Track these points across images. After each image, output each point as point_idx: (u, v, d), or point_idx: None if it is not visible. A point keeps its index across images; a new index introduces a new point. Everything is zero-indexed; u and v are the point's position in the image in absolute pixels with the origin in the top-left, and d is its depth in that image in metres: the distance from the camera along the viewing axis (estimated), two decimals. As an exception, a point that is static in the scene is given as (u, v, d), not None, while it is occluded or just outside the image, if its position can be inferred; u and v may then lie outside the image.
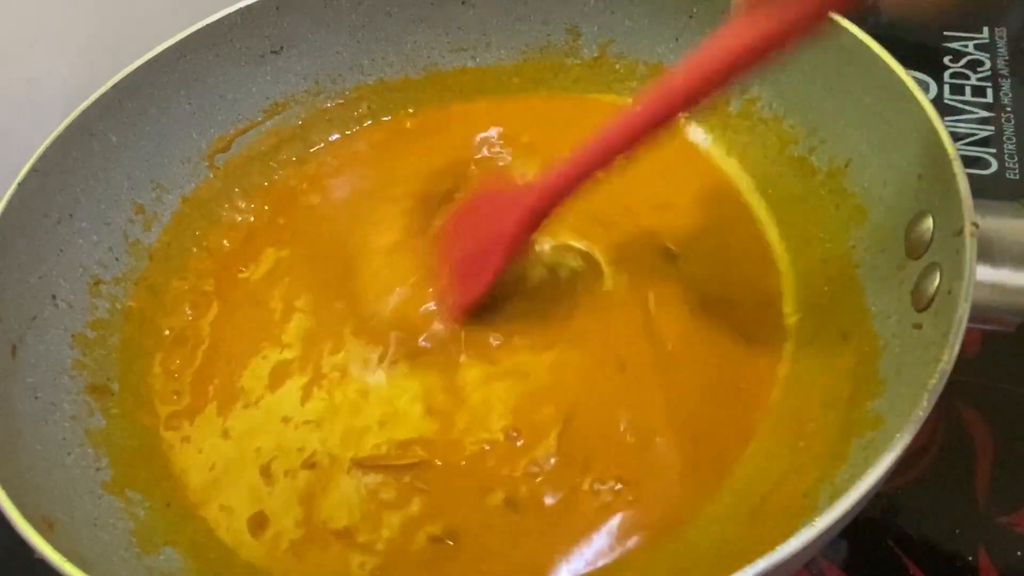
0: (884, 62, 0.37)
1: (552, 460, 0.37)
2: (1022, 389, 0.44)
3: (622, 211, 0.46)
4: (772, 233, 0.44)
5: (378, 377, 0.40)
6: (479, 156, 0.50)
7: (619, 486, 0.36)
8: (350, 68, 0.52)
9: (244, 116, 0.50)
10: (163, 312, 0.45)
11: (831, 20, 0.39)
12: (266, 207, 0.49)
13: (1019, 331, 0.33)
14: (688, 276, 0.43)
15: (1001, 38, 0.63)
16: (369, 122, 0.53)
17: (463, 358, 0.40)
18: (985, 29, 0.64)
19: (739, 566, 0.25)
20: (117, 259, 0.44)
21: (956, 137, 0.48)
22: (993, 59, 0.62)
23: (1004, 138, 0.57)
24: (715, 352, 0.40)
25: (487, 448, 0.38)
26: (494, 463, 0.37)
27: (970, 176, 0.32)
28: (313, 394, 0.41)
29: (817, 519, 0.26)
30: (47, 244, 0.41)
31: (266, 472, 0.39)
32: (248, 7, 0.46)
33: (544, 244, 0.44)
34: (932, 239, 0.34)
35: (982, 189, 0.32)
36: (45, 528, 0.31)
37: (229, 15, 0.46)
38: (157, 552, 0.36)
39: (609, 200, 0.45)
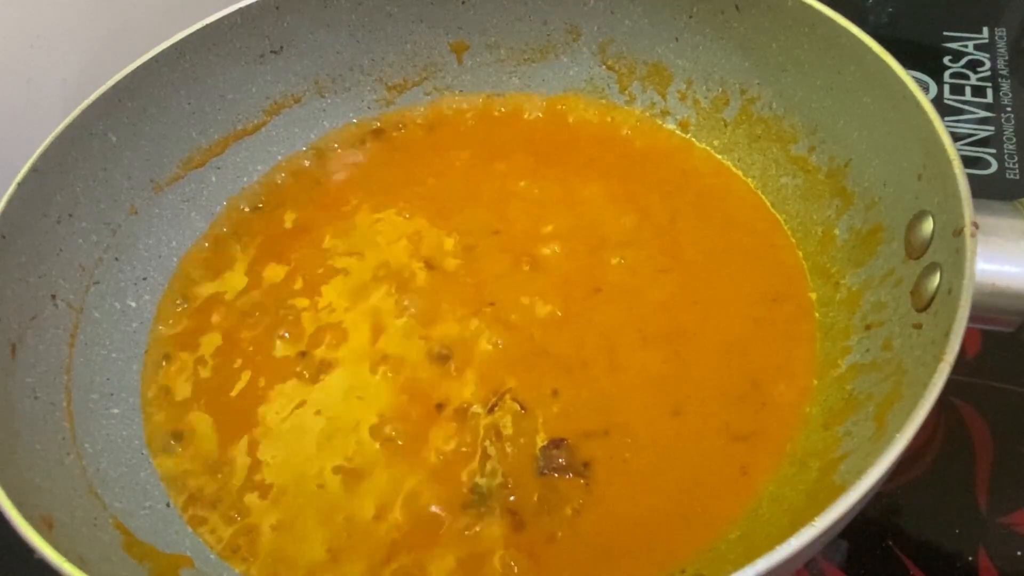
0: (884, 62, 0.37)
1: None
2: (1022, 389, 0.44)
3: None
4: (776, 230, 0.45)
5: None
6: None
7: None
8: (350, 68, 0.52)
9: (244, 116, 0.50)
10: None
11: (831, 19, 0.40)
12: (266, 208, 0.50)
13: (1019, 331, 0.33)
14: (698, 272, 0.43)
15: (1001, 38, 0.63)
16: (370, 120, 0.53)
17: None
18: (985, 29, 0.64)
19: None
20: (117, 259, 0.44)
21: (956, 137, 0.48)
22: (993, 59, 0.62)
23: (1004, 138, 0.57)
24: (730, 350, 0.40)
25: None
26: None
27: (970, 176, 0.32)
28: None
29: (817, 519, 0.26)
30: (47, 244, 0.41)
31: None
32: (248, 7, 0.46)
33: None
34: (932, 239, 0.34)
35: (982, 189, 0.32)
36: (44, 528, 0.31)
37: (229, 15, 0.46)
38: (157, 552, 0.36)
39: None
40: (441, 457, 0.38)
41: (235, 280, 0.46)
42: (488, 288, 0.44)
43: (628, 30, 0.50)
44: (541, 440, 0.38)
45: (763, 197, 0.46)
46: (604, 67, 0.52)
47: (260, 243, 0.47)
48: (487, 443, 0.38)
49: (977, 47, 0.63)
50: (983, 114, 0.58)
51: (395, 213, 0.48)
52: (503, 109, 0.53)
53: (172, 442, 0.40)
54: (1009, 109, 0.58)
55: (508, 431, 0.38)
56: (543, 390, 0.40)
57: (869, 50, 0.38)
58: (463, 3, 0.51)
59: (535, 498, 0.36)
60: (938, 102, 0.59)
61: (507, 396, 0.39)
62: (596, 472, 0.37)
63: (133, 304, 0.44)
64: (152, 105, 0.45)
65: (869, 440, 0.32)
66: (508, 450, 0.38)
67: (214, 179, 0.49)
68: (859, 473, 0.27)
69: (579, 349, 0.41)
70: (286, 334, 0.43)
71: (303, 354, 0.42)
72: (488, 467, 0.37)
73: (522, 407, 0.39)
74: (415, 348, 0.42)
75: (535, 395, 0.39)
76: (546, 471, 0.37)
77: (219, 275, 0.46)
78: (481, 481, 0.37)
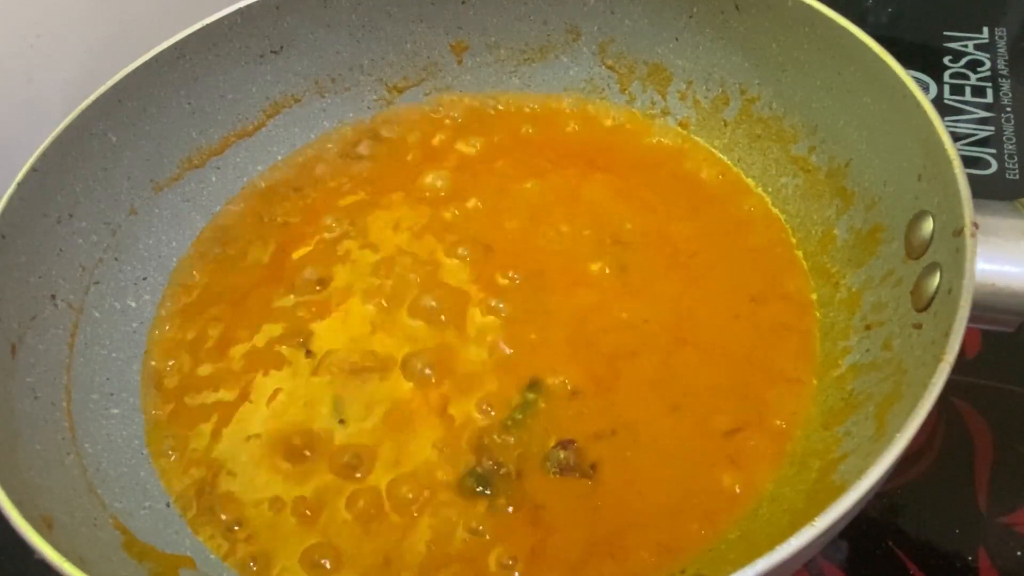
0: (884, 62, 0.37)
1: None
2: (1022, 389, 0.44)
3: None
4: (776, 230, 0.45)
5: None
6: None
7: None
8: (350, 68, 0.52)
9: (244, 116, 0.50)
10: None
11: (831, 19, 0.40)
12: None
13: (1019, 331, 0.33)
14: (698, 272, 0.43)
15: (1001, 38, 0.63)
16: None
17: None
18: (985, 29, 0.64)
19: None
20: (117, 259, 0.44)
21: (956, 137, 0.48)
22: (993, 59, 0.62)
23: (1004, 138, 0.57)
24: (730, 350, 0.40)
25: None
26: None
27: (970, 176, 0.32)
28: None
29: (817, 519, 0.26)
30: (47, 244, 0.41)
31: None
32: (248, 7, 0.46)
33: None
34: (932, 239, 0.34)
35: (982, 189, 0.32)
36: (44, 528, 0.31)
37: (229, 15, 0.46)
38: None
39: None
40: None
41: (235, 280, 0.46)
42: (486, 288, 0.44)
43: (628, 30, 0.50)
44: (551, 440, 0.38)
45: (763, 197, 0.46)
46: (604, 67, 0.52)
47: (260, 243, 0.47)
48: (495, 436, 0.38)
49: (977, 47, 0.63)
50: (983, 114, 0.58)
51: (395, 214, 0.48)
52: (503, 109, 0.53)
53: (173, 442, 0.40)
54: (1009, 109, 0.58)
55: (520, 427, 0.38)
56: (551, 390, 0.40)
57: (869, 50, 0.38)
58: (463, 3, 0.51)
59: (538, 497, 0.37)
60: (938, 102, 0.59)
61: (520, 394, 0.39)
62: (601, 472, 0.37)
63: (133, 304, 0.44)
64: (152, 105, 0.45)
65: (869, 440, 0.32)
66: (519, 445, 0.38)
67: (214, 179, 0.49)
68: (859, 473, 0.27)
69: (581, 350, 0.41)
70: (288, 333, 0.43)
71: (309, 353, 0.42)
72: (497, 458, 0.37)
73: (527, 404, 0.39)
74: (414, 350, 0.42)
75: (525, 397, 0.40)
76: (555, 471, 0.37)
77: (219, 275, 0.46)
78: (487, 469, 0.37)
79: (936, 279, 0.33)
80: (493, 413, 0.39)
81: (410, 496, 0.37)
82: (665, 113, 0.51)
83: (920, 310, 0.34)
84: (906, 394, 0.32)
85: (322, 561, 0.36)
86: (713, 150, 0.49)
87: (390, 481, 0.38)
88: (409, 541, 0.36)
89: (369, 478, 0.38)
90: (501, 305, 0.43)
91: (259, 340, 0.43)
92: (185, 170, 0.48)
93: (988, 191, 0.41)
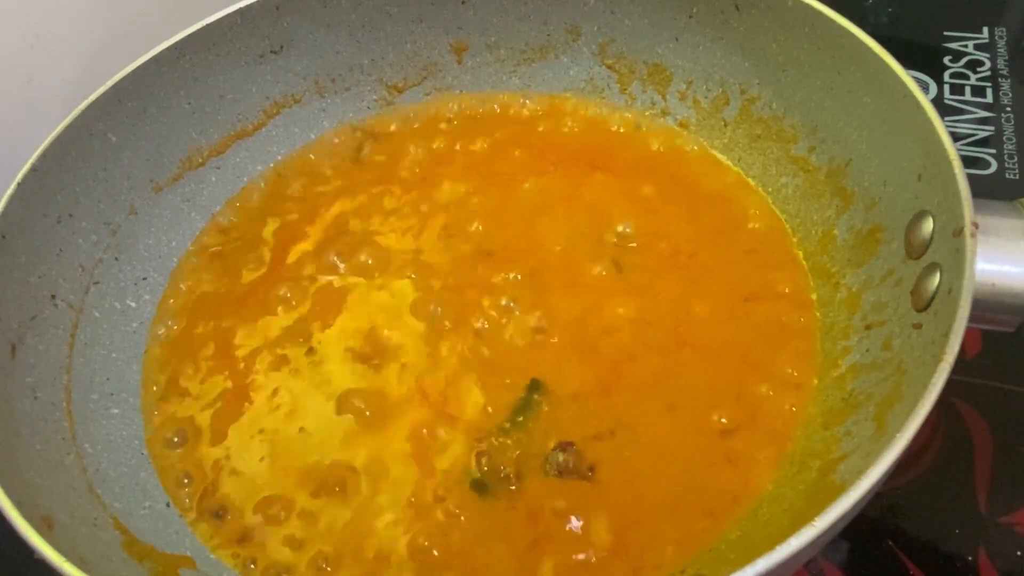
0: (884, 62, 0.37)
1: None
2: (1022, 389, 0.44)
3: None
4: (776, 230, 0.45)
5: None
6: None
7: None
8: (350, 68, 0.52)
9: (244, 116, 0.50)
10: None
11: (831, 19, 0.40)
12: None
13: (1019, 331, 0.33)
14: (698, 272, 0.43)
15: (1001, 38, 0.63)
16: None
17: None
18: (985, 29, 0.64)
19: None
20: (117, 259, 0.44)
21: (956, 137, 0.48)
22: (993, 59, 0.62)
23: (1004, 138, 0.57)
24: (730, 350, 0.40)
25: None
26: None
27: (970, 176, 0.32)
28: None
29: (817, 519, 0.26)
30: (47, 244, 0.41)
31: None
32: (248, 7, 0.46)
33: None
34: (932, 239, 0.34)
35: (982, 189, 0.32)
36: (44, 528, 0.31)
37: (229, 15, 0.46)
38: (157, 552, 0.36)
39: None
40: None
41: (235, 280, 0.46)
42: (486, 288, 0.44)
43: (628, 30, 0.50)
44: (551, 442, 0.38)
45: (763, 197, 0.46)
46: (604, 67, 0.52)
47: (260, 243, 0.47)
48: (494, 438, 0.38)
49: (977, 47, 0.63)
50: (983, 114, 0.58)
51: (395, 213, 0.48)
52: (503, 109, 0.53)
53: (174, 441, 0.40)
54: (1009, 109, 0.58)
55: (520, 428, 0.38)
56: (552, 391, 0.40)
57: (869, 50, 0.38)
58: (463, 3, 0.51)
59: (537, 498, 0.37)
60: (938, 102, 0.59)
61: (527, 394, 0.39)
62: (600, 473, 0.37)
63: (133, 304, 0.44)
64: (152, 105, 0.45)
65: (869, 440, 0.32)
66: (517, 447, 0.38)
67: (214, 179, 0.49)
68: (859, 473, 0.27)
69: (582, 350, 0.41)
70: (288, 333, 0.43)
71: (311, 351, 0.42)
72: (495, 460, 0.37)
73: (529, 406, 0.39)
74: (415, 349, 0.42)
75: (526, 398, 0.39)
76: (554, 473, 0.37)
77: (219, 275, 0.46)
78: (485, 472, 0.37)
79: (936, 279, 0.33)
80: (492, 414, 0.39)
81: (410, 497, 0.37)
82: (665, 113, 0.51)
83: (920, 310, 0.34)
84: (906, 394, 0.32)
85: (323, 561, 0.36)
86: (713, 150, 0.49)
87: (390, 481, 0.38)
88: (409, 542, 0.36)
89: (370, 478, 0.38)
90: (501, 305, 0.43)
91: (260, 340, 0.43)
92: (185, 170, 0.48)
93: (988, 191, 0.41)
